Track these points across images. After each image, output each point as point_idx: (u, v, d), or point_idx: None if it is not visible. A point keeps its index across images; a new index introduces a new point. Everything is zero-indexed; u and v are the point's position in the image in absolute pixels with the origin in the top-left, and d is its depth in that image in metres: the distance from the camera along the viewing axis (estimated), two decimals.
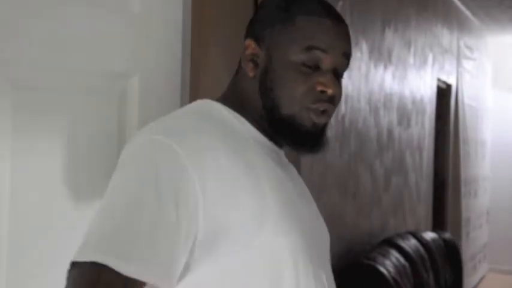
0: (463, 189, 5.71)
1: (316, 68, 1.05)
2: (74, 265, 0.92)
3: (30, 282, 1.09)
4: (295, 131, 1.06)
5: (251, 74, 1.09)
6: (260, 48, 1.08)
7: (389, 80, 3.77)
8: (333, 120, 2.89)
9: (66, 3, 1.12)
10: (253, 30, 1.11)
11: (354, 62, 3.15)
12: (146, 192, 0.92)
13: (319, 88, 1.05)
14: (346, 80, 3.02)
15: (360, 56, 3.24)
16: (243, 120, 1.09)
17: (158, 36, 1.31)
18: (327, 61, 1.05)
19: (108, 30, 1.20)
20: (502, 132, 7.04)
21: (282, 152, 1.14)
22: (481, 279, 6.56)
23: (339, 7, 2.93)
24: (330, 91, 1.05)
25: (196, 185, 0.93)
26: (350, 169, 3.18)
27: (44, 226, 1.10)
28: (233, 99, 1.11)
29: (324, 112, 1.06)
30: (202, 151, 0.96)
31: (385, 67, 3.68)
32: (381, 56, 3.59)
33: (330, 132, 2.68)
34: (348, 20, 3.14)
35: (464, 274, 4.98)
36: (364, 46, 3.31)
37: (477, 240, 6.41)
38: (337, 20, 1.08)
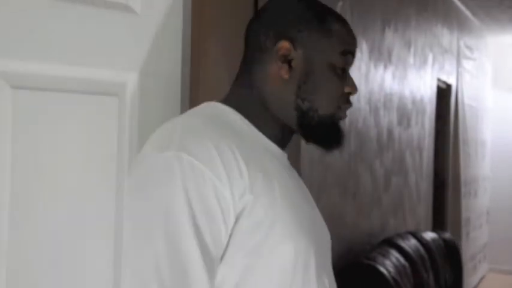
0: (463, 189, 5.71)
1: (344, 70, 1.12)
2: None
3: (31, 282, 1.09)
4: (329, 130, 1.11)
5: (286, 76, 1.09)
6: (296, 50, 1.09)
7: (389, 80, 3.77)
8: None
9: (66, 2, 1.12)
10: (283, 31, 1.10)
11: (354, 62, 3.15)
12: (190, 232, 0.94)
13: (348, 90, 1.12)
14: None
15: (360, 56, 3.24)
16: (250, 125, 1.10)
17: (158, 36, 1.31)
18: (350, 64, 1.13)
19: (108, 30, 1.20)
20: (502, 132, 7.04)
21: (285, 156, 1.15)
22: (481, 279, 6.56)
23: (339, 7, 2.93)
24: (355, 92, 1.13)
25: (229, 203, 0.96)
26: (350, 169, 3.18)
27: (44, 226, 1.10)
28: (243, 104, 1.11)
29: (346, 112, 1.15)
30: (227, 163, 0.97)
31: (385, 67, 3.68)
32: (381, 56, 3.59)
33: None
34: (348, 20, 3.14)
35: (465, 274, 4.98)
36: (364, 46, 3.31)
37: (477, 240, 6.40)
38: (350, 26, 1.16)
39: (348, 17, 3.03)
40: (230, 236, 0.97)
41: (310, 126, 1.10)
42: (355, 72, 3.17)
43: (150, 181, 0.98)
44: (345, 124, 2.99)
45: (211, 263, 0.95)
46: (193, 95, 1.43)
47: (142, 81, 1.27)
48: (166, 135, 1.01)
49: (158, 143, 1.01)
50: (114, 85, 1.22)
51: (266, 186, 1.00)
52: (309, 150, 2.57)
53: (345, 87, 1.11)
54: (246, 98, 1.11)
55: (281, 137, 1.13)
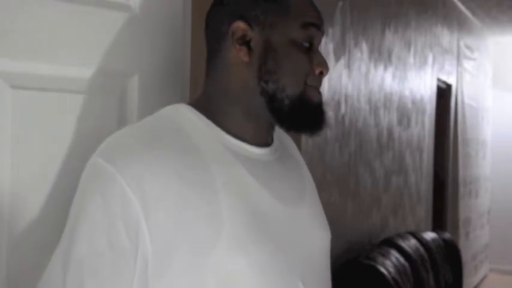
0: (462, 189, 5.71)
1: (310, 45, 1.04)
2: None
3: (31, 282, 1.09)
4: (303, 111, 1.03)
5: (246, 59, 1.02)
6: (252, 30, 1.03)
7: (389, 80, 3.77)
8: (333, 121, 2.89)
9: (66, 2, 1.12)
10: (235, 11, 1.04)
11: (354, 62, 3.15)
12: (96, 232, 0.93)
13: (318, 70, 1.04)
14: (346, 80, 3.02)
15: (360, 56, 3.24)
16: (210, 123, 1.03)
17: (158, 36, 1.31)
18: (317, 38, 1.05)
19: (108, 30, 1.20)
20: (502, 132, 7.03)
21: (266, 150, 1.07)
22: (482, 279, 6.56)
23: (338, 7, 2.93)
24: (325, 71, 1.05)
25: (138, 209, 0.92)
26: (350, 169, 3.19)
27: (44, 226, 1.10)
28: (207, 103, 1.06)
29: (319, 91, 1.07)
30: (148, 175, 0.92)
31: (385, 67, 3.69)
32: (380, 56, 3.59)
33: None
34: (348, 20, 3.15)
35: (466, 274, 4.98)
36: (364, 46, 3.31)
37: (478, 240, 6.40)
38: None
39: (347, 17, 3.03)
40: (168, 253, 0.92)
41: (281, 110, 1.02)
42: (355, 72, 3.17)
43: (81, 180, 1.00)
44: (339, 121, 2.99)
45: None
46: (193, 95, 1.43)
47: (142, 81, 1.27)
48: (106, 143, 1.01)
49: (97, 151, 1.01)
50: (114, 85, 1.22)
51: (206, 194, 0.94)
52: (308, 150, 2.57)
53: (314, 67, 1.03)
54: (213, 95, 1.06)
55: (258, 131, 1.06)
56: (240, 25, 1.03)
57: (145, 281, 0.93)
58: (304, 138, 2.51)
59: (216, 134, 1.03)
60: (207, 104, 1.06)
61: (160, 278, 0.93)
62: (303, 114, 1.03)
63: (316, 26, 1.05)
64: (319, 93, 1.06)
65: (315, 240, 1.09)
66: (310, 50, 1.04)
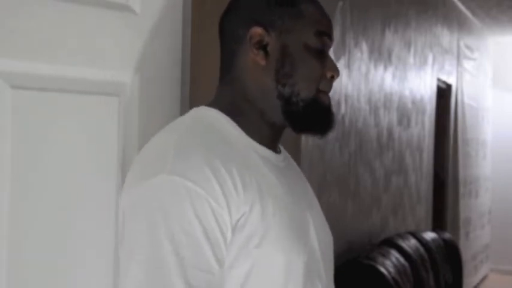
0: (462, 189, 5.71)
1: (322, 52, 1.08)
2: None
3: (31, 281, 1.09)
4: (315, 114, 1.07)
5: (263, 63, 1.06)
6: (269, 35, 1.06)
7: (389, 80, 3.77)
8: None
9: (66, 2, 1.12)
10: (252, 17, 1.07)
11: (354, 62, 3.15)
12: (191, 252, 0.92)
13: (329, 74, 1.08)
14: (346, 80, 3.02)
15: (360, 56, 3.24)
16: (238, 129, 1.06)
17: (158, 36, 1.31)
18: (328, 46, 1.10)
19: (108, 30, 1.20)
20: (502, 132, 7.03)
21: (279, 157, 1.12)
22: (483, 279, 6.55)
23: (338, 7, 2.93)
24: (337, 75, 1.09)
25: (226, 218, 0.94)
26: (350, 169, 3.19)
27: (44, 226, 1.10)
28: (229, 106, 1.08)
29: (328, 95, 1.11)
30: (221, 181, 0.94)
31: (385, 67, 3.69)
32: (380, 56, 3.59)
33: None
34: (348, 20, 3.15)
35: (466, 274, 4.98)
36: (364, 46, 3.31)
37: (478, 240, 6.40)
38: (324, 9, 1.13)
39: (348, 17, 3.03)
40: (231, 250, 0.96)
41: (296, 113, 1.06)
42: (355, 72, 3.17)
43: (144, 206, 0.95)
44: (339, 121, 2.99)
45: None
46: (193, 95, 1.43)
47: (142, 81, 1.27)
48: (156, 157, 0.98)
49: (148, 168, 0.97)
50: (114, 85, 1.22)
51: (258, 196, 0.98)
52: (308, 150, 2.57)
53: (326, 72, 1.08)
54: (231, 98, 1.08)
55: (272, 136, 1.10)
56: (257, 30, 1.06)
57: None
58: (304, 138, 2.51)
59: (245, 139, 1.06)
60: (229, 108, 1.08)
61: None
62: (315, 117, 1.08)
63: (328, 35, 1.10)
64: (329, 98, 1.10)
65: (325, 242, 1.14)
66: (323, 56, 1.08)
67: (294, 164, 1.23)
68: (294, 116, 1.07)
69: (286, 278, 0.99)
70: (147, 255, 0.92)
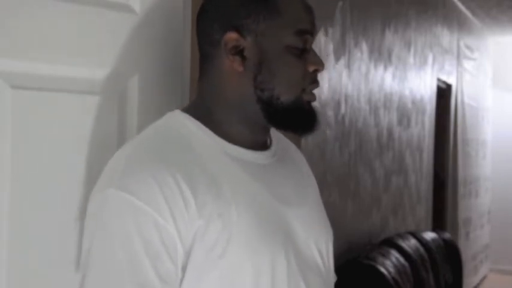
0: (462, 189, 5.71)
1: (304, 49, 1.03)
2: None
3: (31, 282, 1.09)
4: (297, 117, 1.04)
5: (240, 69, 1.02)
6: (244, 39, 1.01)
7: (389, 80, 3.77)
8: (332, 120, 2.89)
9: (65, 2, 1.12)
10: (227, 22, 1.02)
11: (354, 62, 3.15)
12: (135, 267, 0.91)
13: (312, 68, 1.04)
14: (346, 80, 3.02)
15: (360, 56, 3.24)
16: (209, 132, 1.03)
17: (158, 36, 1.31)
18: (310, 41, 1.05)
19: (108, 30, 1.20)
20: (502, 132, 7.03)
21: (264, 154, 1.08)
22: (483, 279, 6.55)
23: (338, 7, 2.93)
24: (321, 68, 1.05)
25: (173, 233, 0.92)
26: (350, 169, 3.19)
27: (44, 226, 1.10)
28: (203, 110, 1.05)
29: (313, 93, 1.06)
30: (169, 195, 0.93)
31: (385, 67, 3.69)
32: (380, 56, 3.59)
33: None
34: (348, 20, 3.15)
35: (466, 274, 4.98)
36: (364, 46, 3.31)
37: (478, 240, 6.40)
38: (306, 1, 1.07)
39: (348, 17, 3.03)
40: (186, 264, 0.94)
41: (276, 115, 1.03)
42: (355, 72, 3.17)
43: (91, 218, 0.96)
44: (339, 121, 2.99)
45: None
46: (193, 95, 1.43)
47: (142, 81, 1.27)
48: (111, 169, 0.98)
49: (103, 179, 0.98)
50: (114, 85, 1.22)
51: (218, 207, 0.96)
52: (308, 150, 2.57)
53: (309, 66, 1.03)
54: (209, 102, 1.05)
55: (254, 136, 1.07)
56: (232, 36, 1.02)
57: None
58: (304, 138, 2.51)
59: (216, 142, 1.03)
60: (204, 111, 1.06)
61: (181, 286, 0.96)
62: (296, 119, 1.04)
63: (310, 32, 1.04)
64: (313, 96, 1.05)
65: (316, 240, 1.10)
66: (304, 53, 1.04)
67: (291, 157, 1.19)
68: (274, 118, 1.04)
69: (257, 281, 0.97)
70: (91, 264, 0.93)
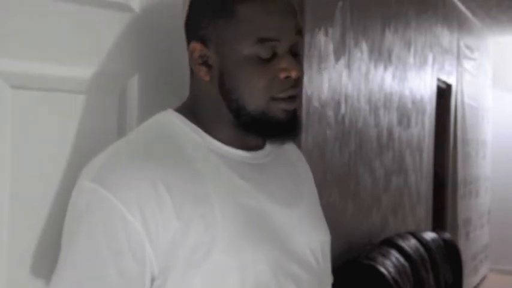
0: (462, 189, 5.71)
1: (272, 55, 0.98)
2: None
3: (31, 281, 1.09)
4: (268, 125, 1.00)
5: (206, 78, 1.01)
6: (208, 48, 1.01)
7: (389, 80, 3.77)
8: (332, 120, 2.89)
9: (65, 2, 1.12)
10: (193, 32, 1.02)
11: (354, 62, 3.15)
12: (99, 262, 0.92)
13: (283, 75, 0.99)
14: (346, 80, 3.02)
15: (360, 56, 3.24)
16: (199, 131, 1.03)
17: (158, 36, 1.31)
18: (282, 46, 0.99)
19: (108, 30, 1.20)
20: (502, 132, 7.03)
21: (258, 154, 1.07)
22: (482, 279, 6.56)
23: (338, 7, 2.93)
24: (294, 74, 0.99)
25: (141, 233, 0.92)
26: (350, 169, 3.19)
27: (44, 227, 1.10)
28: (192, 109, 1.06)
29: (291, 98, 1.00)
30: (143, 195, 0.93)
31: (385, 67, 3.69)
32: (380, 56, 3.59)
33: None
34: (348, 20, 3.15)
35: (465, 274, 4.98)
36: (364, 46, 3.31)
37: (478, 240, 6.40)
38: (278, 4, 0.99)
39: (348, 17, 3.03)
40: (169, 265, 0.93)
41: (246, 124, 1.01)
42: (355, 72, 3.17)
43: (69, 208, 0.99)
44: (339, 121, 2.99)
45: None
46: None
47: (142, 81, 1.27)
48: (92, 163, 0.99)
49: (83, 172, 1.00)
50: (113, 85, 1.22)
51: (200, 208, 0.95)
52: (308, 150, 2.57)
53: (278, 73, 0.98)
54: (195, 103, 1.06)
55: (242, 137, 1.05)
56: (195, 46, 1.02)
57: None
58: (304, 138, 2.51)
59: (205, 141, 1.03)
60: (193, 111, 1.06)
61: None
62: (266, 128, 1.01)
63: (274, 39, 0.97)
64: (290, 103, 1.01)
65: (310, 241, 1.09)
66: (273, 59, 0.99)
67: (290, 158, 1.18)
68: (246, 127, 1.01)
69: (244, 282, 0.96)
70: (61, 252, 0.96)
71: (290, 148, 1.21)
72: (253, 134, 1.03)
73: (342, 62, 2.97)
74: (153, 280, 0.95)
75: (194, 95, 1.07)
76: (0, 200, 1.04)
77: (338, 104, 2.93)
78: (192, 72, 1.07)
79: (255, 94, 0.99)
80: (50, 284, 0.96)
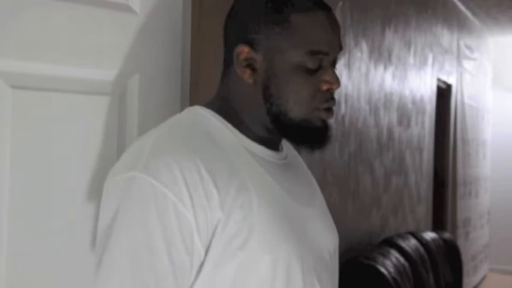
0: (462, 189, 5.71)
1: (318, 67, 1.04)
2: None
3: (31, 281, 1.09)
4: (306, 133, 1.05)
5: (250, 81, 1.04)
6: (256, 52, 1.04)
7: (389, 80, 3.77)
8: (332, 120, 2.89)
9: (66, 2, 1.12)
10: (240, 34, 1.05)
11: (354, 62, 3.15)
12: (150, 246, 0.92)
13: (326, 87, 1.04)
14: (346, 80, 3.02)
15: (360, 56, 3.24)
16: (232, 129, 1.06)
17: (158, 36, 1.31)
18: (328, 59, 1.05)
19: (108, 30, 1.20)
20: (502, 132, 7.03)
21: (279, 154, 1.11)
22: (482, 279, 6.55)
23: (338, 7, 2.93)
24: (335, 87, 1.05)
25: (192, 223, 0.93)
26: (350, 169, 3.19)
27: (43, 225, 1.10)
28: (224, 106, 1.07)
29: (330, 109, 1.06)
30: (191, 184, 0.94)
31: (385, 67, 3.69)
32: (380, 56, 3.59)
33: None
34: (348, 20, 3.14)
35: (465, 274, 4.98)
36: (364, 46, 3.31)
37: (478, 240, 6.40)
38: (327, 9, 1.05)
39: (348, 17, 3.03)
40: (206, 253, 0.95)
41: (283, 129, 1.05)
42: (355, 72, 3.17)
43: (113, 201, 0.96)
44: (339, 121, 2.99)
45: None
46: (193, 95, 1.43)
47: (142, 81, 1.27)
48: (135, 153, 0.99)
49: (126, 162, 0.99)
50: (114, 85, 1.22)
51: (240, 198, 0.97)
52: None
53: (321, 85, 1.03)
54: (224, 102, 1.07)
55: (269, 136, 1.08)
56: (243, 48, 1.04)
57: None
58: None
59: (237, 137, 1.05)
60: (223, 108, 1.07)
61: (198, 276, 0.96)
62: (304, 135, 1.05)
63: (324, 53, 1.03)
64: (328, 114, 1.06)
65: (326, 241, 1.12)
66: (318, 71, 1.04)
67: (300, 162, 1.22)
68: (283, 131, 1.06)
69: (275, 275, 0.98)
70: (110, 245, 0.94)
71: (296, 154, 1.23)
72: (287, 138, 1.08)
73: (342, 62, 2.97)
74: (198, 267, 0.96)
75: (228, 94, 1.08)
76: (0, 200, 1.04)
77: (338, 104, 2.93)
78: (226, 72, 1.08)
79: (300, 102, 1.03)
80: (97, 273, 0.95)
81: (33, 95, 1.08)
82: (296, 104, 1.03)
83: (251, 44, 1.04)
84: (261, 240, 0.97)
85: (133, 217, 0.93)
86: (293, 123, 1.04)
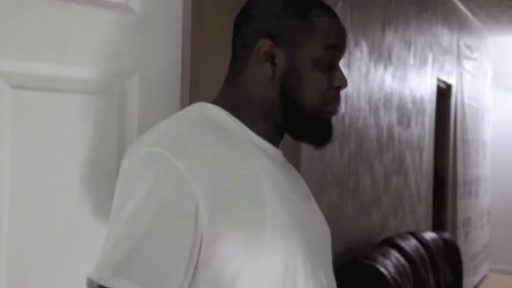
0: (462, 189, 5.71)
1: (332, 64, 1.09)
2: (92, 284, 0.94)
3: (31, 281, 1.09)
4: (317, 126, 1.09)
5: (269, 75, 1.07)
6: (278, 47, 1.07)
7: (389, 80, 3.77)
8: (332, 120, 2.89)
9: (65, 2, 1.12)
10: (261, 29, 1.08)
11: (354, 62, 3.15)
12: (159, 213, 0.93)
13: (338, 84, 1.09)
14: None
15: (360, 56, 3.24)
16: (240, 123, 1.08)
17: (158, 36, 1.31)
18: (338, 56, 1.11)
19: (108, 30, 1.20)
20: (502, 132, 7.03)
21: (279, 152, 1.13)
22: (482, 279, 6.56)
23: (338, 7, 2.93)
24: (344, 87, 1.10)
25: (199, 196, 0.94)
26: (350, 169, 3.19)
27: (43, 226, 1.10)
28: (230, 103, 1.09)
29: (338, 106, 1.12)
30: (203, 164, 0.96)
31: (385, 67, 3.69)
32: (380, 56, 3.59)
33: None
34: (348, 20, 3.14)
35: (465, 274, 4.98)
36: (364, 46, 3.31)
37: (478, 240, 6.40)
38: (339, 19, 1.13)
39: (348, 17, 3.03)
40: (219, 238, 0.96)
41: (295, 123, 1.09)
42: (355, 72, 3.17)
43: (126, 179, 0.99)
44: (339, 121, 2.99)
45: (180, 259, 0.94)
46: (193, 95, 1.43)
47: (142, 81, 1.27)
48: (145, 137, 1.02)
49: (143, 142, 1.01)
50: (113, 85, 1.22)
51: (250, 190, 0.99)
52: (308, 149, 2.57)
53: (334, 82, 1.09)
54: (234, 98, 1.10)
55: (273, 134, 1.11)
56: (266, 42, 1.07)
57: (195, 264, 0.96)
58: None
59: (246, 133, 1.08)
60: (230, 105, 1.09)
61: (208, 262, 0.96)
62: (313, 130, 1.10)
63: (339, 48, 1.10)
64: (336, 108, 1.11)
65: (324, 236, 1.16)
66: (331, 68, 1.09)
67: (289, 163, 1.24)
68: (292, 125, 1.10)
69: (286, 269, 1.00)
70: (123, 215, 0.95)
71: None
72: (294, 132, 1.10)
73: (342, 62, 2.97)
74: (201, 242, 0.96)
75: (238, 91, 1.10)
76: (0, 200, 1.04)
77: None
78: (238, 69, 1.10)
79: (315, 96, 1.08)
80: (106, 237, 0.96)
81: (33, 95, 1.08)
82: (311, 98, 1.07)
83: (273, 39, 1.07)
84: (275, 230, 0.99)
85: (140, 185, 0.95)
86: (304, 117, 1.08)
